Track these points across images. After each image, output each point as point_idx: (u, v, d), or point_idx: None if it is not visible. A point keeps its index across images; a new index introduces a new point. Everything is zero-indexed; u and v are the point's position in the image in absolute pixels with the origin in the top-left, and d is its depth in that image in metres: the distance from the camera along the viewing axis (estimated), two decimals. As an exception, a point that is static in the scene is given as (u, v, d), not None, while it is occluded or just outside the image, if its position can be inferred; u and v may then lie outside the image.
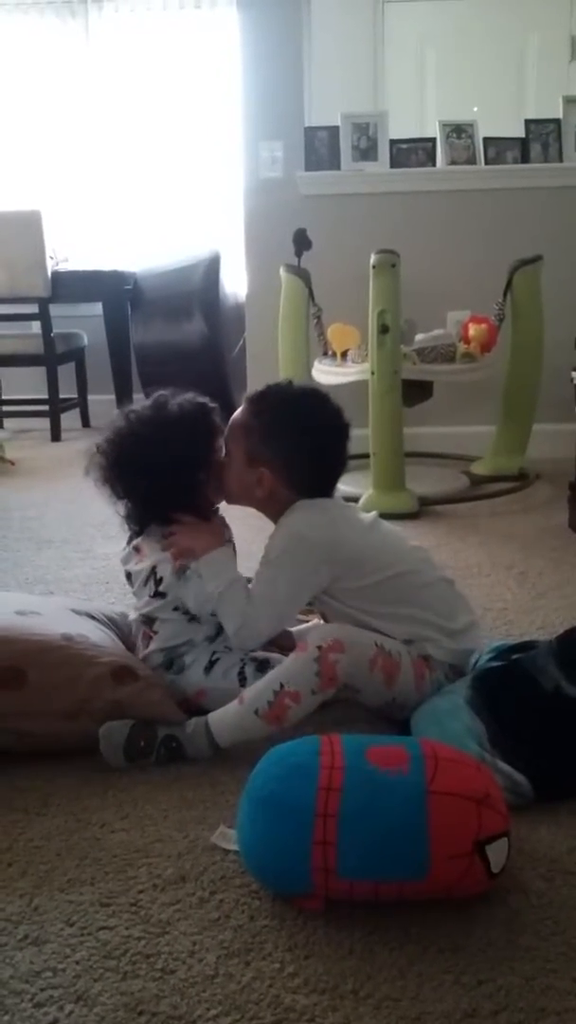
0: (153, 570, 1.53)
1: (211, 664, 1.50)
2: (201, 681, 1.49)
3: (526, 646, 1.53)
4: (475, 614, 1.57)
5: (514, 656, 1.47)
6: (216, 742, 1.36)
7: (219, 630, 1.53)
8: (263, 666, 1.49)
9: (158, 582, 1.52)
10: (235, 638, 1.47)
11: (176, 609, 1.52)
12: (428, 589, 1.51)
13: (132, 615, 1.62)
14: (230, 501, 1.59)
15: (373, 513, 1.60)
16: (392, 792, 1.02)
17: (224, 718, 1.37)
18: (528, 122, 3.58)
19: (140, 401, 1.62)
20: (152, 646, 1.54)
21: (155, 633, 1.54)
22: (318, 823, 1.00)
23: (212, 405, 1.58)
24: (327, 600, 1.50)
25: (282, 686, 1.34)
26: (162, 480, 1.49)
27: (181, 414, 1.53)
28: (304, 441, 1.50)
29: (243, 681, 1.47)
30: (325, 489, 1.54)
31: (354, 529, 1.51)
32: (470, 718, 1.28)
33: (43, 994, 0.92)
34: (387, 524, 1.60)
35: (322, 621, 1.61)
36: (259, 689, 1.36)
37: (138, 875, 1.11)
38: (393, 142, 3.58)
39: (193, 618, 1.51)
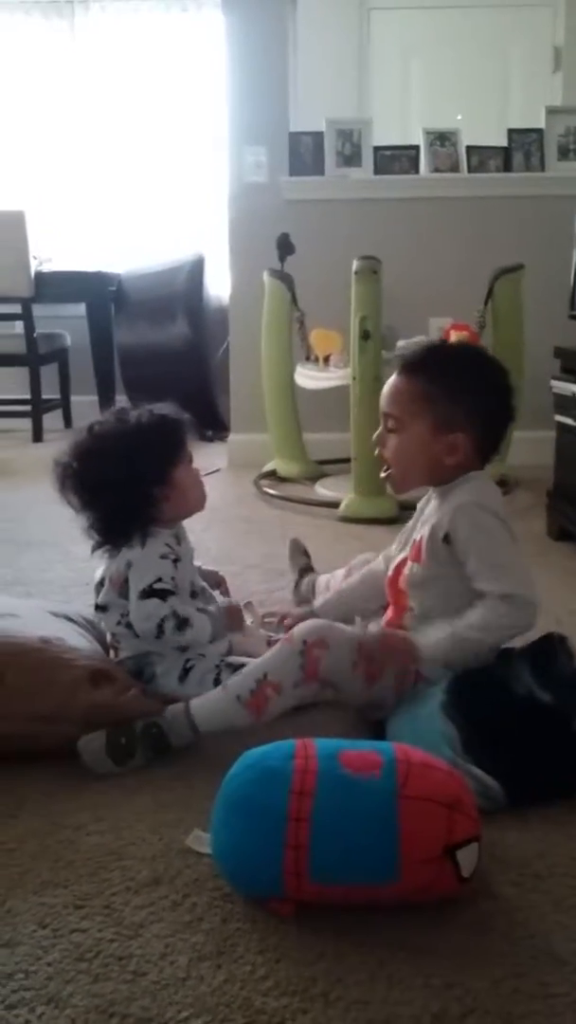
0: (100, 583, 1.55)
1: (185, 672, 1.50)
2: (176, 689, 1.49)
3: (502, 653, 1.54)
4: None
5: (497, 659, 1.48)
6: (196, 726, 1.36)
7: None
8: (238, 671, 1.50)
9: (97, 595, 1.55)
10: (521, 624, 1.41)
11: (119, 624, 1.52)
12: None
13: None
14: (402, 487, 1.54)
15: None
16: (364, 797, 1.03)
17: (206, 703, 1.38)
18: (511, 131, 3.61)
19: (121, 404, 1.62)
20: (120, 655, 1.54)
21: (118, 643, 1.55)
22: (290, 827, 1.01)
23: (176, 417, 1.53)
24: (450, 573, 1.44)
25: (265, 676, 1.35)
26: (116, 495, 1.47)
27: (138, 429, 1.50)
28: (494, 398, 1.45)
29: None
30: (495, 451, 1.50)
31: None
32: (443, 723, 1.29)
33: (14, 996, 0.92)
34: None
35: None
36: (243, 676, 1.37)
37: (112, 878, 1.11)
38: (377, 149, 3.60)
39: (143, 635, 1.49)
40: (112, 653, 1.56)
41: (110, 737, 1.34)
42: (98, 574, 1.56)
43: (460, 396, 1.43)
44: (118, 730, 1.35)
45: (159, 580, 1.48)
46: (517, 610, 1.38)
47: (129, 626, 1.49)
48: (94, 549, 1.56)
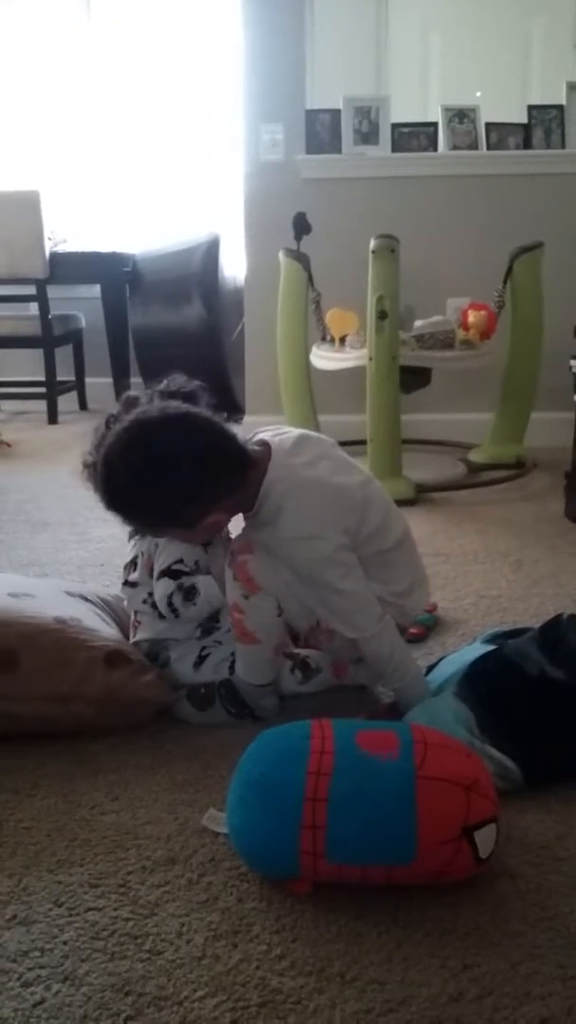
0: (133, 560, 1.55)
1: (201, 659, 1.49)
2: (191, 676, 1.48)
3: (521, 632, 1.53)
4: (420, 571, 1.52)
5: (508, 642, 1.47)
6: (242, 676, 1.44)
7: (206, 629, 1.52)
8: None
9: (131, 570, 1.55)
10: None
11: (144, 602, 1.52)
12: (391, 554, 1.45)
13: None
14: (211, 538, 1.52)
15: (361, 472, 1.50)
16: (381, 777, 1.02)
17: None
18: (531, 108, 3.55)
19: (136, 387, 1.59)
20: (137, 636, 1.54)
21: (139, 623, 1.54)
22: (307, 807, 1.00)
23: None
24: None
25: (227, 603, 1.43)
26: None
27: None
28: (186, 475, 1.30)
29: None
30: (242, 457, 1.36)
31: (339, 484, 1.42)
32: (457, 705, 1.28)
33: (30, 974, 0.92)
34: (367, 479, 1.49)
35: None
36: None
37: (127, 857, 1.11)
38: (395, 126, 3.55)
39: (163, 615, 1.49)
40: (132, 632, 1.56)
41: (191, 689, 1.46)
42: (130, 551, 1.57)
43: (178, 507, 1.32)
44: (198, 686, 1.46)
45: (179, 561, 1.48)
46: (373, 637, 1.38)
47: (154, 606, 1.50)
48: (131, 536, 1.58)
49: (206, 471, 1.32)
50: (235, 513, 1.42)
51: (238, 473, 1.35)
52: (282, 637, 1.45)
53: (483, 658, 1.41)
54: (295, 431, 1.49)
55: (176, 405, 1.36)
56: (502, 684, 1.32)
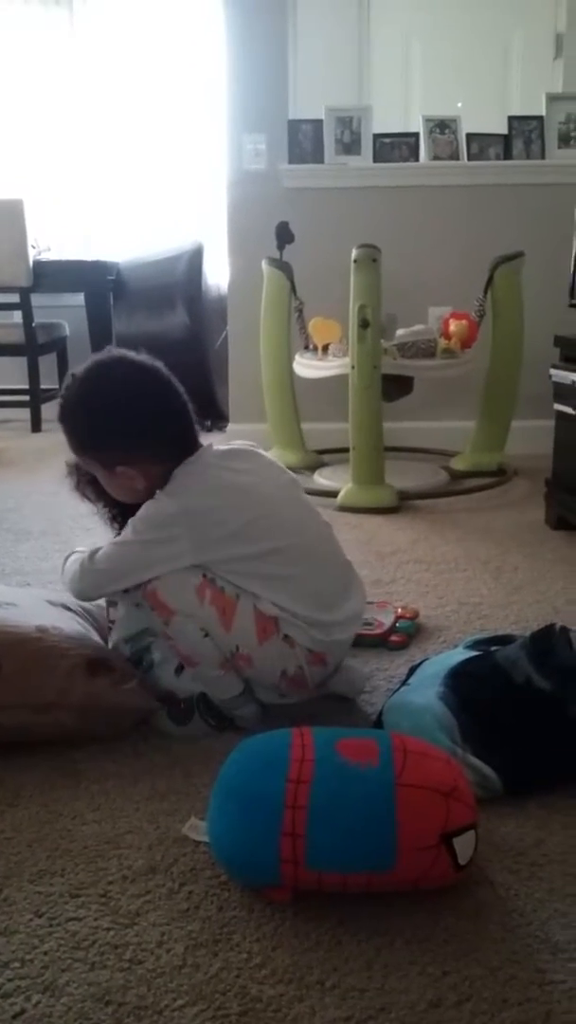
0: None
1: (182, 665, 1.49)
2: (172, 683, 1.48)
3: (503, 639, 1.54)
4: (350, 609, 1.48)
5: (492, 648, 1.48)
6: (211, 695, 1.45)
7: None
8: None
9: None
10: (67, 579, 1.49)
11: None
12: (300, 579, 1.43)
13: None
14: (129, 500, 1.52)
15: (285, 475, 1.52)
16: (361, 785, 1.02)
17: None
18: (511, 119, 3.59)
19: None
20: (114, 636, 1.54)
21: (112, 623, 1.55)
22: (287, 815, 1.00)
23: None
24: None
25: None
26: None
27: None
28: (123, 415, 1.38)
29: None
30: (187, 441, 1.43)
31: (233, 495, 1.41)
32: (442, 712, 1.29)
33: (10, 984, 0.92)
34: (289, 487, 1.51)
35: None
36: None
37: (108, 866, 1.11)
38: (376, 136, 3.58)
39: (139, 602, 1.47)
40: (110, 634, 1.56)
41: (170, 705, 1.45)
42: None
43: (103, 439, 1.40)
44: (177, 699, 1.46)
45: None
46: (82, 573, 1.43)
47: (126, 591, 1.47)
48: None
49: (141, 420, 1.39)
50: (150, 484, 1.40)
51: (171, 447, 1.41)
52: (222, 654, 1.39)
53: (471, 659, 1.42)
54: (253, 451, 1.52)
55: (157, 363, 1.44)
56: (488, 688, 1.33)
